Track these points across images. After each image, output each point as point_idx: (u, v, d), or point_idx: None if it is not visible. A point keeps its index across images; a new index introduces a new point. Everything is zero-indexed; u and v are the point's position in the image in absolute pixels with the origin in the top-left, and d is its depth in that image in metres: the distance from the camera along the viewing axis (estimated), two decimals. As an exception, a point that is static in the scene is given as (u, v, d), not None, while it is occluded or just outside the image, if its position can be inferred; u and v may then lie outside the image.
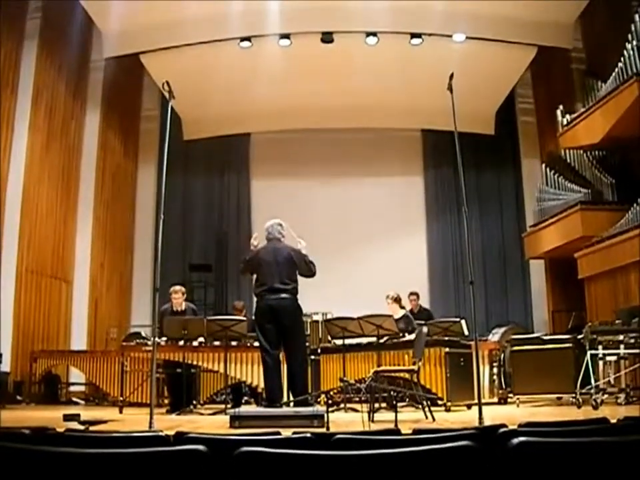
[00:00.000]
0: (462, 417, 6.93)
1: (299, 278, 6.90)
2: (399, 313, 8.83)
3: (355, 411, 7.66)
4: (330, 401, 7.59)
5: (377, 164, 14.73)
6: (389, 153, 14.82)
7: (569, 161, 12.36)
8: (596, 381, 7.42)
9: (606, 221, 10.59)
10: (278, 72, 12.38)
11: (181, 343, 8.43)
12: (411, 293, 10.54)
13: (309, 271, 6.89)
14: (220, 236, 14.96)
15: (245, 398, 9.61)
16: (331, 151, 14.73)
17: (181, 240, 14.79)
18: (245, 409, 6.76)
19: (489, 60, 12.14)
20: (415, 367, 6.86)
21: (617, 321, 8.03)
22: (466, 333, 8.86)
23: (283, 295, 6.66)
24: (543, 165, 12.79)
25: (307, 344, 8.27)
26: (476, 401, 5.78)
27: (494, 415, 6.89)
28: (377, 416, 6.68)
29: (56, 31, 11.70)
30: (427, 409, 6.58)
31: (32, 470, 1.92)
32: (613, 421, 3.27)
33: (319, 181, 14.67)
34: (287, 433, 2.98)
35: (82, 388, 11.62)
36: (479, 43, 11.79)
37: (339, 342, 8.43)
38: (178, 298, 8.83)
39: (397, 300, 8.99)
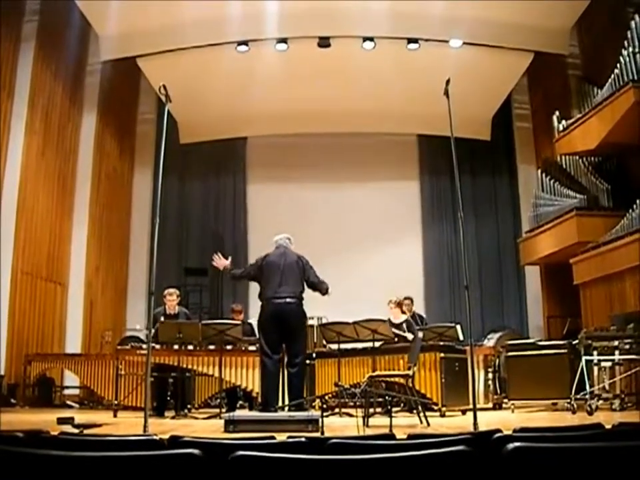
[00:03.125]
0: (457, 422, 6.92)
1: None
2: (400, 318, 8.85)
3: (350, 415, 7.64)
4: (325, 406, 7.58)
5: (373, 168, 14.73)
6: (385, 157, 14.83)
7: (564, 166, 12.39)
8: (591, 386, 7.42)
9: (601, 226, 10.61)
10: (275, 76, 12.40)
11: (176, 346, 8.42)
12: (406, 298, 10.55)
13: (320, 284, 6.92)
14: (216, 240, 14.93)
15: (240, 402, 9.60)
16: (327, 155, 14.73)
17: (176, 244, 14.79)
18: (239, 413, 6.75)
19: (486, 65, 12.17)
20: (410, 372, 6.86)
21: (612, 327, 8.04)
22: (461, 338, 8.88)
23: (289, 300, 6.70)
24: (539, 171, 12.82)
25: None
26: (471, 406, 5.77)
27: (489, 420, 6.89)
28: (372, 421, 6.67)
29: (53, 34, 11.69)
30: (421, 413, 6.58)
31: (26, 473, 1.92)
32: (608, 426, 3.27)
33: (315, 185, 14.68)
34: (281, 437, 2.97)
35: (76, 391, 11.57)
36: (476, 49, 11.83)
37: (334, 346, 8.42)
38: (172, 300, 8.83)
39: (400, 305, 9.01)
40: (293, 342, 6.81)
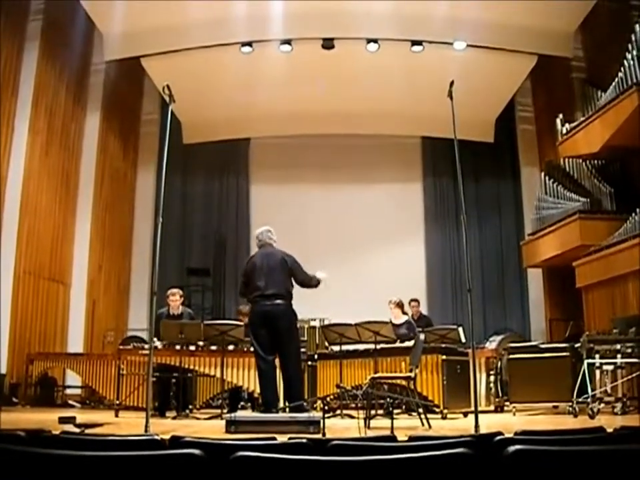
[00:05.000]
0: (458, 425, 6.92)
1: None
2: (401, 318, 8.84)
3: (351, 417, 7.64)
4: (326, 407, 7.56)
5: (376, 170, 14.74)
6: (389, 159, 14.84)
7: (568, 169, 12.37)
8: (593, 390, 7.41)
9: (604, 230, 10.59)
10: (278, 77, 12.40)
11: (178, 347, 8.42)
12: (412, 300, 10.61)
13: (310, 280, 6.87)
14: (219, 240, 14.95)
15: (242, 403, 9.60)
16: (330, 157, 14.73)
17: (179, 244, 14.79)
18: (241, 414, 6.75)
19: (490, 68, 12.17)
20: (412, 374, 6.85)
21: (614, 330, 8.03)
22: (463, 340, 8.87)
23: (277, 301, 6.62)
24: (542, 174, 12.80)
25: (302, 349, 8.25)
26: (472, 408, 5.77)
27: (490, 422, 6.89)
28: (373, 422, 6.67)
29: (57, 33, 11.70)
30: (423, 416, 6.57)
31: (27, 472, 1.92)
32: (610, 430, 3.27)
33: (318, 187, 14.68)
34: (282, 438, 2.97)
35: (78, 391, 11.58)
36: (480, 51, 11.82)
37: (336, 348, 8.42)
38: (175, 300, 8.83)
39: (400, 305, 8.99)
40: (285, 343, 6.71)
